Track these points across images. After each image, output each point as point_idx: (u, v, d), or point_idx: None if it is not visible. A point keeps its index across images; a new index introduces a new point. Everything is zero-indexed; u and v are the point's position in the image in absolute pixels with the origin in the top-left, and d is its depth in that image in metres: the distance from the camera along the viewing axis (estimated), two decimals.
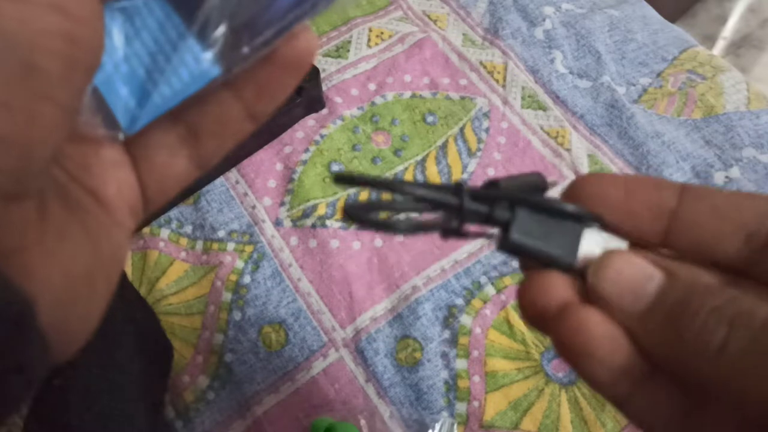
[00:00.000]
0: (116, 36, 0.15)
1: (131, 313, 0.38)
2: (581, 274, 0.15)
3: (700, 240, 0.15)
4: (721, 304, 0.13)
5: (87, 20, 0.12)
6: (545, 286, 0.16)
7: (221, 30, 0.15)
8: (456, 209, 0.15)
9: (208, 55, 0.15)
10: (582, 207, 0.16)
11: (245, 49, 0.15)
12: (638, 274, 0.14)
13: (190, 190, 0.49)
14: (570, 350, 0.15)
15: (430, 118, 0.54)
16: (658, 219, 0.15)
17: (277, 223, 0.48)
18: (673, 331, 0.13)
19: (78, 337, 0.15)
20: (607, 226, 0.16)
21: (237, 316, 0.44)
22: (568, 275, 0.16)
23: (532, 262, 0.16)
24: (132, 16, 0.15)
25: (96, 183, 0.16)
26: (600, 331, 0.14)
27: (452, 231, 0.16)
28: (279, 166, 0.50)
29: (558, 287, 0.15)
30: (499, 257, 0.47)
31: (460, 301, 0.45)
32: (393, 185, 0.15)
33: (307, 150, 0.51)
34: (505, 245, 0.15)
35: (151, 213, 0.18)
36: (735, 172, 0.52)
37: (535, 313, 0.16)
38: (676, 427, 0.15)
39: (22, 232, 0.12)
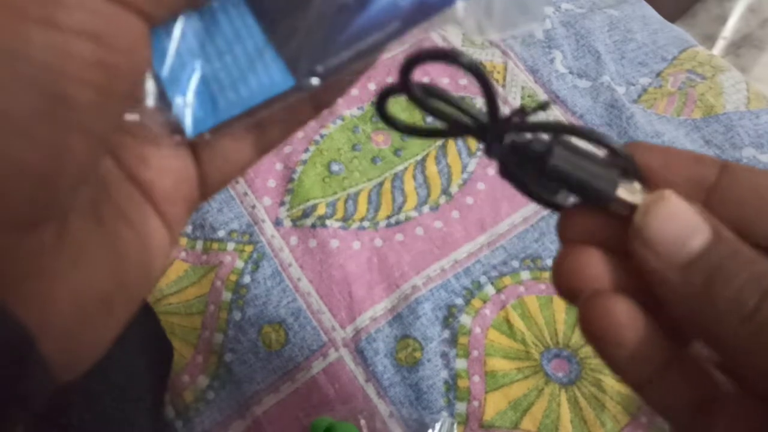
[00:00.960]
0: (190, 38, 0.15)
1: None
2: (615, 216, 0.15)
3: (737, 218, 0.15)
4: (759, 273, 0.13)
5: (126, 49, 0.11)
6: (581, 262, 0.15)
7: (298, 44, 0.15)
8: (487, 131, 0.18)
9: (281, 67, 0.15)
10: (625, 149, 0.15)
11: (319, 68, 0.15)
12: (688, 224, 0.14)
13: None
14: (595, 334, 0.15)
15: (430, 118, 0.54)
16: (696, 193, 0.15)
17: (277, 223, 0.48)
18: (708, 291, 0.13)
19: (86, 361, 0.14)
20: (643, 180, 0.16)
21: (237, 315, 0.44)
22: (603, 217, 0.15)
23: (571, 190, 0.16)
24: (207, 20, 0.15)
25: (152, 176, 0.15)
26: (626, 318, 0.14)
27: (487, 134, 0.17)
28: (279, 166, 0.50)
29: (594, 266, 0.15)
30: (499, 257, 0.47)
31: (459, 301, 0.45)
32: (460, 104, 0.18)
33: (306, 150, 0.51)
34: (548, 170, 0.16)
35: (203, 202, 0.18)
36: None
37: (567, 289, 0.16)
38: (690, 415, 0.15)
39: (34, 261, 0.12)
